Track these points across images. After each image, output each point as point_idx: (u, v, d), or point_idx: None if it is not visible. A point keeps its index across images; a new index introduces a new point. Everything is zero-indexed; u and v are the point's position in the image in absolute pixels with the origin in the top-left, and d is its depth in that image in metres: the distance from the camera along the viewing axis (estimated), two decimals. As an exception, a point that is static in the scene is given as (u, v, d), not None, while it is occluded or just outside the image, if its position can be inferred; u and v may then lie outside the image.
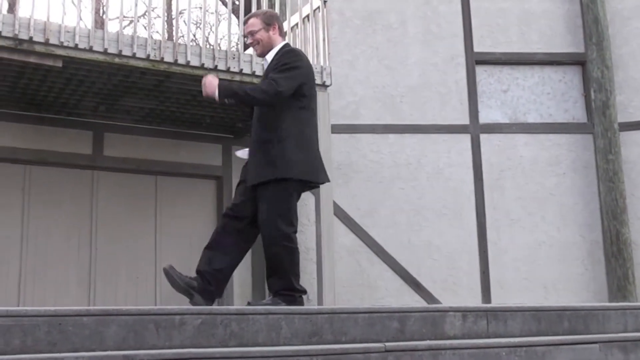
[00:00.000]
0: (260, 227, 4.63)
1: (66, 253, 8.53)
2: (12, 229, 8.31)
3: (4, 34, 6.65)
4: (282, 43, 4.85)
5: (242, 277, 9.02)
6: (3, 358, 2.96)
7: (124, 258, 8.69)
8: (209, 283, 4.62)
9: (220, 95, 4.55)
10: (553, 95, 10.24)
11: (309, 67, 4.81)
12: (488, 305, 5.66)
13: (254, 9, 7.79)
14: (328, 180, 4.93)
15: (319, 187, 5.06)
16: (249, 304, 4.65)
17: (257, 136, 4.65)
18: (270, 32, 4.79)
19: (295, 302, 4.52)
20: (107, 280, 8.57)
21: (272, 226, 4.53)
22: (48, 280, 8.35)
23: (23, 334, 3.17)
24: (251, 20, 4.85)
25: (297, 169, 4.62)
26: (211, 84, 4.57)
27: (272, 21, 4.83)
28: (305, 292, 4.65)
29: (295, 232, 4.68)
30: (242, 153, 4.89)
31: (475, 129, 9.90)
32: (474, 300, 9.30)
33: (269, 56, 4.78)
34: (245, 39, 4.90)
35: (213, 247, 4.68)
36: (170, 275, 4.55)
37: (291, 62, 4.68)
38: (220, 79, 4.65)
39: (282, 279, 4.57)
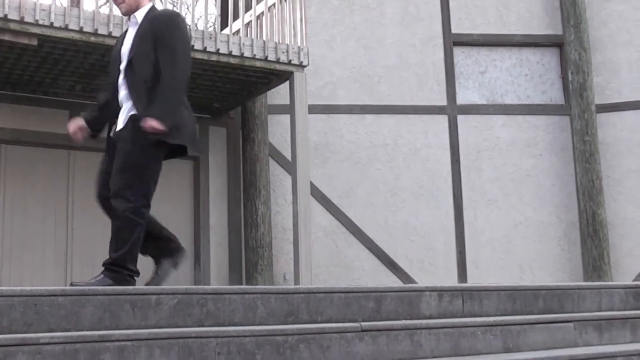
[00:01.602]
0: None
1: (42, 233, 8.47)
2: (-13, 208, 8.25)
3: (-23, 11, 6.58)
4: (150, 4, 4.69)
5: (218, 257, 9.02)
6: (-22, 338, 2.95)
7: (101, 238, 8.61)
8: (166, 251, 4.52)
9: (165, 122, 4.26)
10: (530, 77, 10.28)
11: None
12: (464, 285, 5.71)
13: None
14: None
15: None
16: (72, 284, 4.20)
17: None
18: None
19: (124, 280, 4.20)
20: (83, 260, 8.52)
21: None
22: (24, 261, 8.30)
23: (-1, 314, 3.16)
24: None
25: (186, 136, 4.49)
26: (152, 127, 4.24)
27: None
28: (137, 273, 4.34)
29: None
30: None
31: (452, 110, 9.93)
32: (450, 280, 9.36)
33: (139, 15, 4.63)
34: None
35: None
36: (155, 282, 4.44)
37: (181, 28, 4.53)
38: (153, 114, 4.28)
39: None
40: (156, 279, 4.38)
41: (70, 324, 3.29)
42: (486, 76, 10.23)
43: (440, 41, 10.07)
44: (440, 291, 4.52)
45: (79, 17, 6.95)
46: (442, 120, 9.87)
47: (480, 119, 9.97)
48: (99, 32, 6.99)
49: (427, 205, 9.61)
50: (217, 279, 8.87)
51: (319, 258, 8.94)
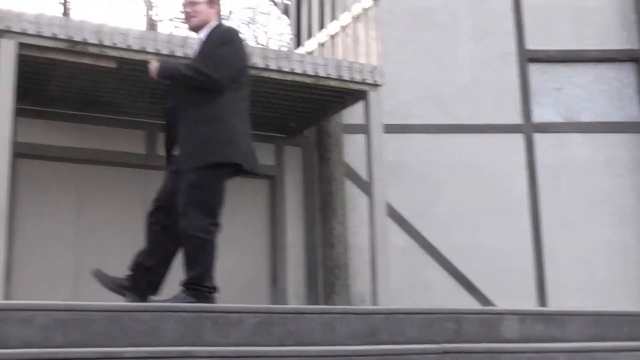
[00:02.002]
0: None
1: (119, 251, 8.53)
2: (66, 226, 8.41)
3: (59, 36, 6.76)
4: (215, 22, 4.72)
5: (295, 277, 9.01)
6: (62, 351, 2.99)
7: (178, 258, 8.71)
8: (139, 281, 4.60)
9: (158, 76, 4.58)
10: (608, 93, 10.03)
11: (244, 49, 4.74)
12: (545, 309, 5.59)
13: (304, 9, 7.79)
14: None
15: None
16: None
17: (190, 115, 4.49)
18: (211, 9, 4.69)
19: (204, 297, 4.33)
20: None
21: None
22: (101, 278, 8.43)
23: (82, 328, 3.21)
24: None
25: (236, 153, 4.52)
26: (150, 70, 4.62)
27: (215, 1, 4.75)
28: (215, 289, 4.45)
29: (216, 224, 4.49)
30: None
31: (528, 129, 9.74)
32: (529, 303, 9.12)
33: (202, 34, 4.67)
34: (183, 8, 4.76)
35: (145, 244, 4.66)
36: (99, 277, 4.54)
37: (232, 43, 4.60)
38: (161, 60, 4.60)
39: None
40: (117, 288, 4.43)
41: (152, 340, 3.31)
42: (562, 93, 10.02)
43: (515, 57, 9.91)
44: (522, 314, 4.44)
45: (155, 40, 7.08)
46: (518, 139, 9.68)
47: (556, 137, 9.76)
48: (175, 54, 7.09)
49: (504, 225, 9.41)
50: (294, 299, 8.85)
51: (395, 278, 8.82)
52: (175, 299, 4.23)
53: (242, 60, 4.66)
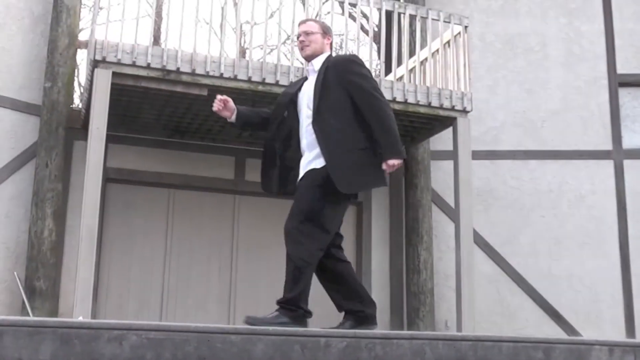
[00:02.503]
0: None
1: (207, 273, 8.78)
2: (156, 248, 8.66)
3: (152, 65, 6.98)
4: (328, 52, 4.80)
5: (380, 302, 8.95)
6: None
7: (264, 280, 8.84)
8: (357, 312, 4.66)
9: (401, 155, 4.47)
10: (702, 118, 9.75)
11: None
12: (636, 341, 5.43)
13: (394, 36, 7.84)
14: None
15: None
16: (247, 317, 4.36)
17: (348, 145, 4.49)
18: (324, 40, 4.77)
19: (300, 318, 4.36)
20: (246, 300, 8.74)
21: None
22: (189, 299, 8.63)
23: (174, 348, 3.29)
24: (310, 22, 4.87)
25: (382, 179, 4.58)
26: (394, 166, 4.47)
27: (328, 32, 4.83)
28: (310, 313, 4.46)
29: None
30: None
31: (618, 155, 9.53)
32: (617, 334, 8.89)
33: (317, 63, 4.71)
34: (298, 37, 4.83)
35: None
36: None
37: (365, 66, 4.69)
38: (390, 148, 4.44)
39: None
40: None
41: (242, 361, 3.37)
42: (653, 119, 9.79)
43: (606, 82, 9.73)
44: (611, 346, 4.33)
45: (247, 67, 7.25)
46: (608, 166, 9.49)
47: (648, 164, 9.53)
48: (267, 80, 7.25)
49: (593, 254, 9.22)
50: (379, 324, 8.81)
51: (481, 306, 8.74)
52: (271, 318, 4.31)
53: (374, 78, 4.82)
